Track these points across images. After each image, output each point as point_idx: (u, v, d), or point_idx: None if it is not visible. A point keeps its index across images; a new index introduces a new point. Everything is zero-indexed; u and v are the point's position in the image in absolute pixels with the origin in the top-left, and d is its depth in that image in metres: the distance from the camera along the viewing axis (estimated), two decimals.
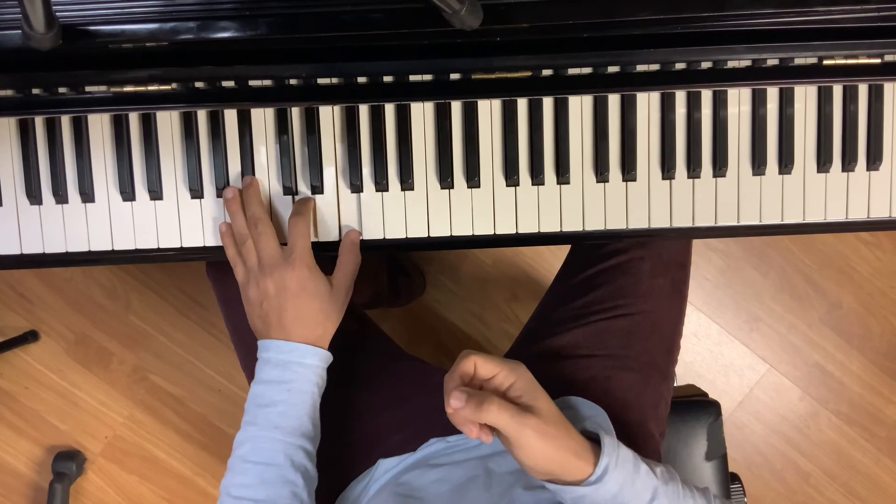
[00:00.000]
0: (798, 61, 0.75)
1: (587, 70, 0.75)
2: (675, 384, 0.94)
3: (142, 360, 1.65)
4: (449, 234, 0.79)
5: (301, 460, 0.72)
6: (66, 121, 0.78)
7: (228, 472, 0.72)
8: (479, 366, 0.64)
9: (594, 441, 0.67)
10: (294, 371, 0.73)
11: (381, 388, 0.89)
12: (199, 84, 0.76)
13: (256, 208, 0.76)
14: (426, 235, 0.79)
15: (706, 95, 0.77)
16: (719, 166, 0.78)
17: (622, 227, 0.79)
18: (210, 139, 0.78)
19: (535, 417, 0.63)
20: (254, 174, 0.78)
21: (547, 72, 0.75)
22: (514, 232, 0.79)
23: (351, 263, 0.78)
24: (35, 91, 0.75)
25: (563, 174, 0.78)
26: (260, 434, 0.72)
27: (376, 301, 1.51)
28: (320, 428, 0.77)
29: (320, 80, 0.75)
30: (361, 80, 0.75)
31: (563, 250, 1.08)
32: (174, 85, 0.75)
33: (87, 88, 0.75)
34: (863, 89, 0.77)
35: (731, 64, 0.76)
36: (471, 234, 0.79)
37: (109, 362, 1.66)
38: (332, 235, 0.79)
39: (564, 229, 0.79)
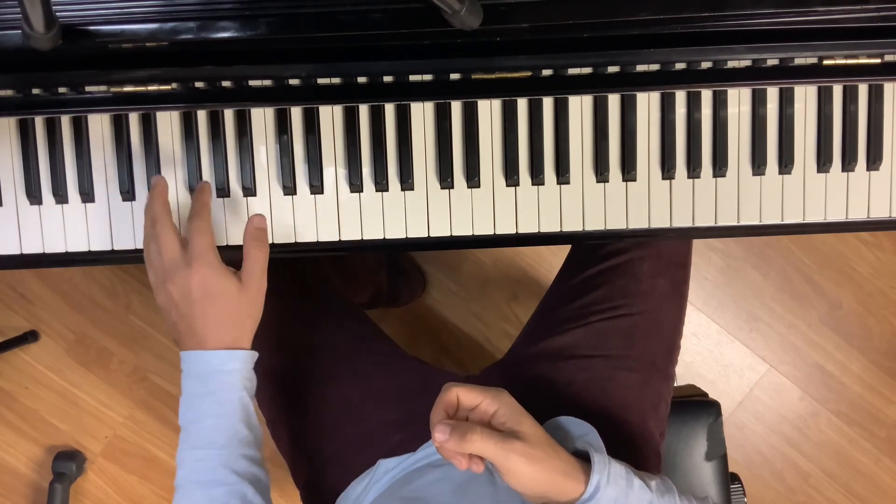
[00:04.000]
0: (798, 61, 0.75)
1: (587, 70, 0.75)
2: (675, 384, 0.94)
3: (142, 360, 1.65)
4: (449, 234, 0.79)
5: (246, 468, 0.70)
6: (66, 121, 0.78)
7: (177, 492, 0.69)
8: (462, 396, 0.65)
9: (586, 459, 0.67)
10: (216, 380, 0.70)
11: (381, 388, 0.89)
12: (199, 84, 0.76)
13: (157, 207, 0.71)
14: (426, 235, 0.79)
15: (706, 95, 0.77)
16: (719, 166, 0.78)
17: (622, 227, 0.79)
18: (210, 139, 0.78)
19: (520, 442, 0.63)
20: (254, 174, 0.78)
21: (547, 72, 0.75)
22: (514, 232, 0.79)
23: (257, 255, 0.72)
24: (35, 91, 0.75)
25: (563, 174, 0.78)
26: (197, 452, 0.69)
27: (376, 301, 1.51)
28: (261, 428, 0.74)
29: (320, 80, 0.75)
30: (361, 80, 0.75)
31: (563, 250, 1.08)
32: (174, 85, 0.75)
33: (87, 88, 0.75)
34: (863, 89, 0.77)
35: (731, 64, 0.76)
36: (471, 234, 0.79)
37: (109, 362, 1.65)
38: (333, 235, 0.79)
39: (564, 229, 0.79)
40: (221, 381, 0.70)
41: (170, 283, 0.70)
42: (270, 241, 0.78)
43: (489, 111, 0.78)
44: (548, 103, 0.77)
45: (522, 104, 0.77)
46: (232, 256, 0.75)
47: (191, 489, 0.69)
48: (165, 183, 0.74)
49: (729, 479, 1.07)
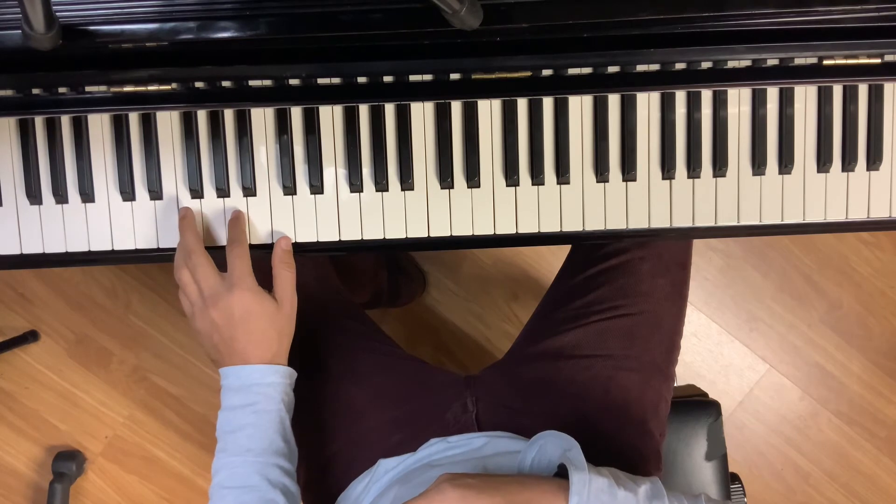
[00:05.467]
0: (798, 61, 0.75)
1: (587, 70, 0.75)
2: (675, 384, 0.94)
3: (142, 360, 1.65)
4: (449, 234, 0.79)
5: (278, 478, 0.72)
6: (66, 121, 0.78)
7: (210, 500, 0.72)
8: None
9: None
10: (257, 393, 0.73)
11: (381, 388, 0.89)
12: (199, 84, 0.76)
13: (190, 239, 0.75)
14: (426, 235, 0.79)
15: (706, 95, 0.77)
16: (719, 166, 0.78)
17: (622, 227, 0.79)
18: (210, 139, 0.78)
19: None
20: (254, 174, 0.78)
21: (547, 72, 0.75)
22: (514, 232, 0.79)
23: (286, 276, 0.77)
24: (35, 91, 0.75)
25: (563, 174, 0.78)
26: (232, 459, 0.71)
27: (376, 301, 1.51)
28: (295, 444, 0.76)
29: (320, 80, 0.75)
30: (361, 80, 0.75)
31: (563, 250, 1.08)
32: (174, 85, 0.75)
33: (87, 88, 0.75)
34: (863, 89, 0.77)
35: (731, 64, 0.76)
36: (471, 234, 0.79)
37: (109, 362, 1.65)
38: (333, 235, 0.79)
39: (564, 229, 0.79)
40: (262, 393, 0.73)
41: (212, 308, 0.73)
42: (270, 242, 0.79)
43: (489, 111, 0.78)
44: (548, 103, 0.77)
45: (522, 104, 0.77)
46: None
47: (223, 494, 0.71)
48: (193, 213, 0.78)
49: (729, 479, 1.07)
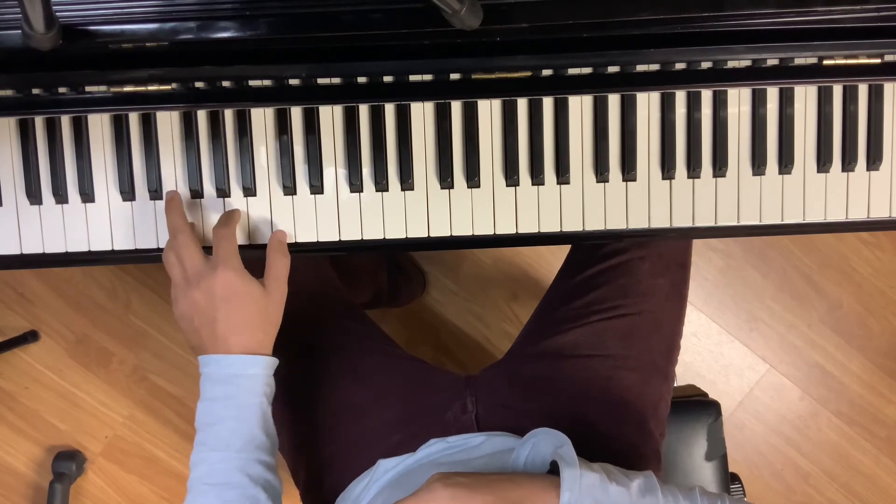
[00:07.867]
0: (798, 61, 0.75)
1: (587, 70, 0.75)
2: (675, 384, 0.94)
3: (142, 360, 1.65)
4: (449, 234, 0.79)
5: (260, 473, 0.70)
6: (66, 121, 0.78)
7: (189, 493, 0.70)
8: None
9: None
10: (238, 384, 0.71)
11: (381, 388, 0.89)
12: (199, 84, 0.76)
13: (176, 219, 0.74)
14: (426, 235, 0.79)
15: (706, 95, 0.77)
16: (719, 166, 0.78)
17: (622, 227, 0.79)
18: (210, 139, 0.78)
19: None
20: (254, 174, 0.78)
21: (547, 72, 0.75)
22: (514, 232, 0.79)
23: (280, 262, 0.75)
24: (35, 91, 0.75)
25: (563, 174, 0.78)
26: (213, 454, 0.70)
27: (376, 301, 1.51)
28: (276, 435, 0.75)
29: (320, 80, 0.75)
30: (361, 80, 0.75)
31: (563, 250, 1.08)
32: (174, 85, 0.75)
33: (87, 88, 0.75)
34: (863, 89, 0.77)
35: (731, 64, 0.76)
36: (471, 234, 0.79)
37: (109, 362, 1.65)
38: (333, 235, 0.79)
39: (564, 229, 0.79)
40: (243, 385, 0.71)
41: (195, 288, 0.71)
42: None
43: (489, 111, 0.78)
44: (548, 103, 0.77)
45: (522, 104, 0.77)
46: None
47: (203, 490, 0.69)
48: (179, 196, 0.77)
49: (729, 479, 1.07)
